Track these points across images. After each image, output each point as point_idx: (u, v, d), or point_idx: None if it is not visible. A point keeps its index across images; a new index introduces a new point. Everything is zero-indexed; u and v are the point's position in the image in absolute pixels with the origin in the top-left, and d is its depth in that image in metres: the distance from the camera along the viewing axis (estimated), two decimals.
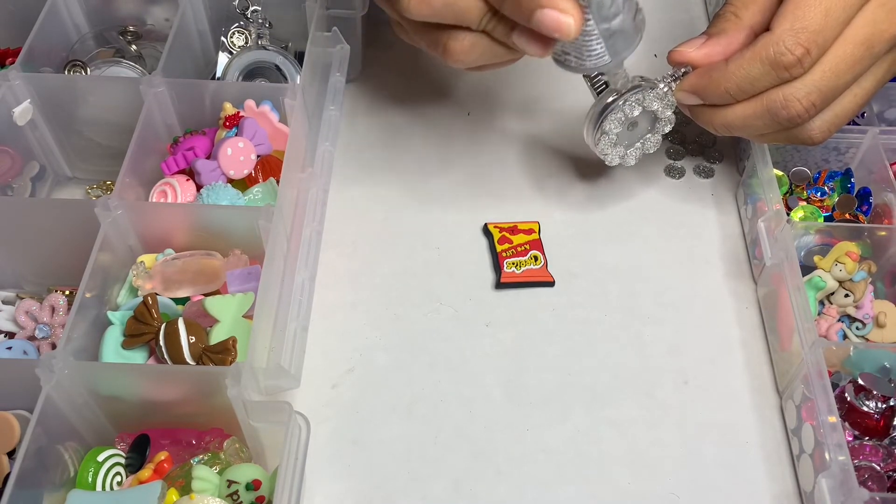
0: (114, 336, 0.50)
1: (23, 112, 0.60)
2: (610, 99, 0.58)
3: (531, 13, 0.48)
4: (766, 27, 0.53)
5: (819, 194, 0.63)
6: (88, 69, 0.65)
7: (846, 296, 0.56)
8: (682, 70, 0.56)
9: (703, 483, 0.53)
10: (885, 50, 0.53)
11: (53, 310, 0.55)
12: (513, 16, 0.49)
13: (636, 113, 0.58)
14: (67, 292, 0.56)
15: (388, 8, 0.54)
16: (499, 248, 0.63)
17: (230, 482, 0.45)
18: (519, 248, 0.63)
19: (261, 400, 0.47)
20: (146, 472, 0.46)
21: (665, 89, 0.57)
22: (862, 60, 0.52)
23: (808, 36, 0.50)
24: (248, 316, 0.51)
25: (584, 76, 0.59)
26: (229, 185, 0.57)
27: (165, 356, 0.49)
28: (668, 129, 0.61)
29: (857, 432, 0.50)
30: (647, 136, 0.61)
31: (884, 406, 0.50)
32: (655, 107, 0.58)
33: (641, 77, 0.59)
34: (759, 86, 0.52)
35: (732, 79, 0.53)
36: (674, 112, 0.60)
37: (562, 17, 0.48)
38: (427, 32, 0.53)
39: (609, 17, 0.51)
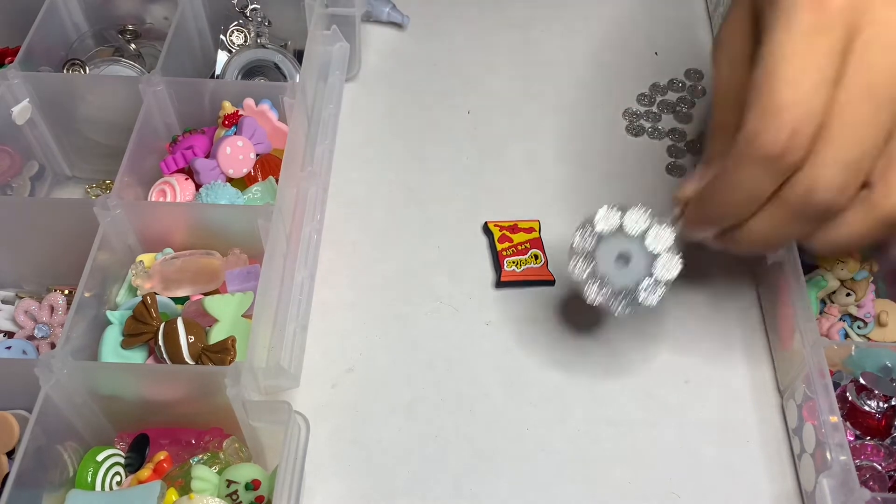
0: (113, 336, 0.50)
1: (22, 111, 0.60)
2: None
3: None
4: None
5: None
6: (87, 68, 0.64)
7: (848, 295, 0.56)
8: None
9: (703, 483, 0.52)
10: None
11: (53, 309, 0.55)
12: None
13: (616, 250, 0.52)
14: (66, 292, 0.56)
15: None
16: (499, 246, 0.62)
17: (229, 482, 0.45)
18: (519, 247, 0.62)
19: (260, 400, 0.47)
20: (145, 472, 0.46)
21: (658, 230, 0.52)
22: (878, 111, 0.41)
23: (787, 115, 0.40)
24: (248, 315, 0.51)
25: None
26: (228, 184, 0.57)
27: (164, 356, 0.49)
28: (665, 284, 0.51)
29: (858, 432, 0.50)
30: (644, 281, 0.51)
31: (885, 405, 0.50)
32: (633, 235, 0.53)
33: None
34: (762, 186, 0.43)
35: (724, 187, 0.45)
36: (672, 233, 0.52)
37: None
38: None
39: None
